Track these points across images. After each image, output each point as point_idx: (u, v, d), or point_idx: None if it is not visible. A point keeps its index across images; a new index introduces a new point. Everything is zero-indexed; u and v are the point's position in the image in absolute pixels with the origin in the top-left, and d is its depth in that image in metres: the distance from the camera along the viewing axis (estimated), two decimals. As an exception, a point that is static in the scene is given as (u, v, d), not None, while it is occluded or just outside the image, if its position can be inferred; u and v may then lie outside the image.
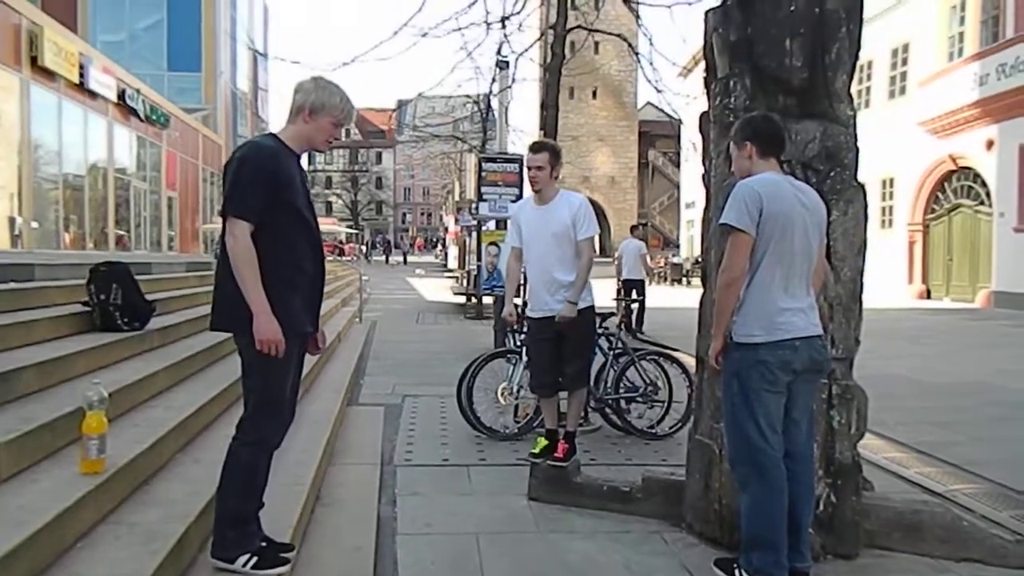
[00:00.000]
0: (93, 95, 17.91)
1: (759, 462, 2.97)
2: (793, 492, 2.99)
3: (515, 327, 5.50)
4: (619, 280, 12.69)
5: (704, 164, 4.15)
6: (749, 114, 3.51)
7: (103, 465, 2.97)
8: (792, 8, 3.67)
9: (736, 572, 3.02)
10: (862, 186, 3.83)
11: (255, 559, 2.82)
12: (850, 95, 3.88)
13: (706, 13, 4.06)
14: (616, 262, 13.07)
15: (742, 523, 3.09)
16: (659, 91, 10.80)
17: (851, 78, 3.82)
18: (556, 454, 4.37)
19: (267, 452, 2.93)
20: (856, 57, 3.85)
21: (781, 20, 3.69)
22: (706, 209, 4.11)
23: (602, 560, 3.55)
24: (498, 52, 9.72)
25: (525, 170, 4.70)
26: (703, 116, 4.18)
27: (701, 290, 4.02)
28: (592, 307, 4.61)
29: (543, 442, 4.50)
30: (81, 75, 16.90)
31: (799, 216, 3.00)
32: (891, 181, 22.51)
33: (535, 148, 4.61)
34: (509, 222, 4.98)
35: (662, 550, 3.69)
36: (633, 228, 14.42)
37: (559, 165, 4.58)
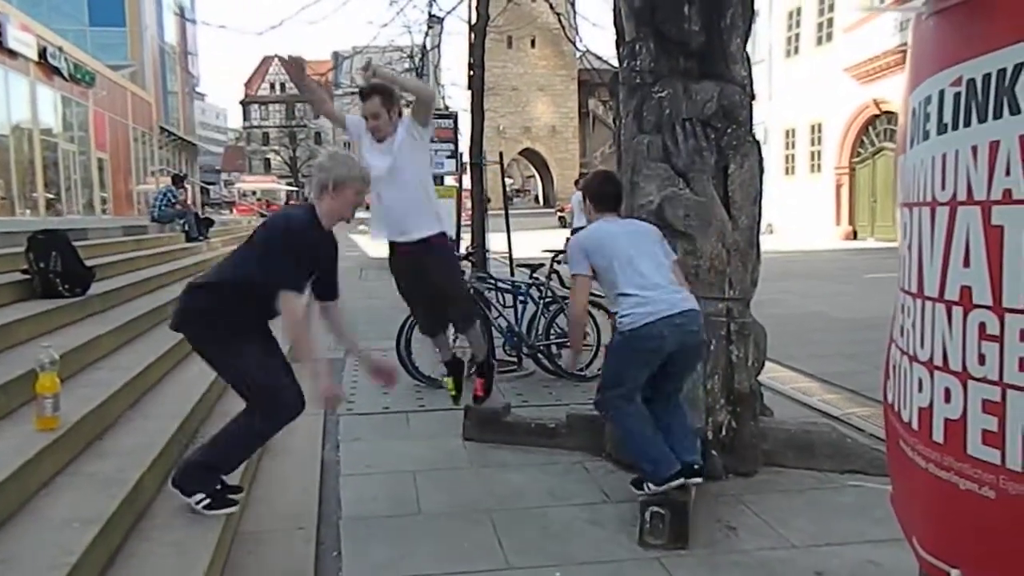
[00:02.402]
0: (13, 54, 17.24)
1: (617, 407, 3.54)
2: (673, 435, 3.52)
3: None
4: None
5: (615, 123, 4.45)
6: (592, 174, 4.22)
7: (58, 422, 3.19)
8: (690, -24, 3.96)
9: (644, 486, 3.44)
10: (757, 141, 4.17)
11: (208, 500, 3.10)
12: (747, 57, 4.20)
13: (614, -21, 4.32)
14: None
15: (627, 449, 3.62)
16: (579, 52, 10.98)
17: (745, 41, 4.14)
18: (476, 392, 4.61)
19: (265, 439, 3.30)
20: (751, 21, 4.18)
21: (680, -13, 3.98)
22: (618, 165, 4.43)
23: (529, 489, 3.93)
24: (428, 9, 9.79)
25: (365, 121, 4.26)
26: (614, 78, 4.47)
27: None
28: (444, 233, 4.50)
29: (451, 380, 4.68)
30: (-2, 34, 16.26)
31: (620, 244, 3.55)
32: (819, 126, 23.24)
33: (364, 95, 4.18)
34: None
35: (583, 478, 4.09)
36: (576, 181, 15.22)
37: (395, 105, 4.29)
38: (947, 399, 1.39)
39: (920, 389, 1.47)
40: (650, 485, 3.40)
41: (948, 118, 1.35)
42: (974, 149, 1.29)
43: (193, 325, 3.18)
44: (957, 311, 1.35)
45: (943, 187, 1.36)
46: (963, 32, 1.33)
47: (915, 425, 1.50)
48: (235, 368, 3.15)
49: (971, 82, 1.29)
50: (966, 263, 1.32)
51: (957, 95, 1.32)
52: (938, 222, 1.38)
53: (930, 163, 1.40)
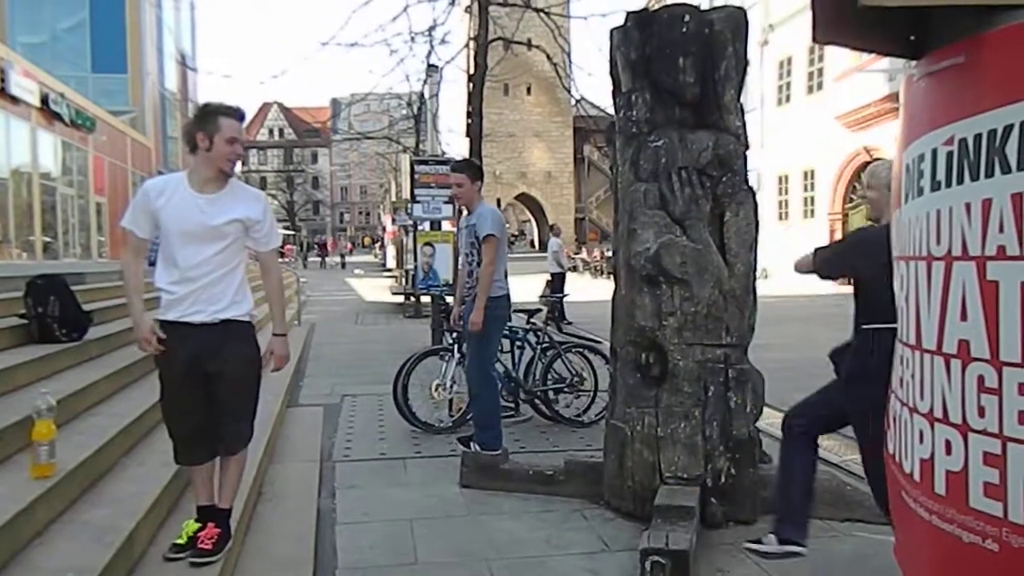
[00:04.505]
0: (15, 100, 17.41)
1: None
2: None
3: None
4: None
5: (611, 170, 4.52)
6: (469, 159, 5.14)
7: (53, 469, 3.17)
8: (684, 30, 4.06)
9: (472, 445, 4.85)
10: (752, 189, 4.23)
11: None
12: (741, 107, 4.28)
13: (611, 32, 4.41)
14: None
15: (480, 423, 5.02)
16: (576, 100, 11.20)
17: (739, 92, 4.22)
18: (201, 545, 3.10)
19: None
20: (744, 73, 4.26)
21: (675, 40, 4.08)
22: (615, 212, 4.48)
23: (526, 537, 3.89)
24: (427, 59, 10.00)
25: None
26: (610, 127, 4.54)
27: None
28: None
29: (192, 526, 3.17)
30: (2, 80, 16.43)
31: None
32: (812, 173, 23.56)
33: None
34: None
35: (582, 525, 4.05)
36: (551, 227, 15.62)
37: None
38: (948, 451, 1.40)
39: (921, 441, 1.48)
40: (475, 445, 4.85)
41: (941, 176, 1.38)
42: (967, 206, 1.32)
43: None
44: (956, 364, 1.37)
45: (938, 242, 1.39)
46: (954, 94, 1.37)
47: (917, 476, 1.50)
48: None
49: (963, 142, 1.33)
50: (963, 317, 1.35)
51: (949, 154, 1.36)
52: (934, 276, 1.41)
53: (924, 219, 1.44)
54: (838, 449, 5.45)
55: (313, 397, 7.46)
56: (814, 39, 1.56)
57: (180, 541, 3.12)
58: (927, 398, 1.45)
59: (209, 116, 3.07)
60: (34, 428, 3.16)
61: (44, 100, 18.94)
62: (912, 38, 1.49)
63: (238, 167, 3.25)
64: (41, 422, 3.17)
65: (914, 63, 1.51)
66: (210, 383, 3.09)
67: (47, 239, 20.27)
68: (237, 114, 3.12)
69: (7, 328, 5.13)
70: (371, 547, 3.77)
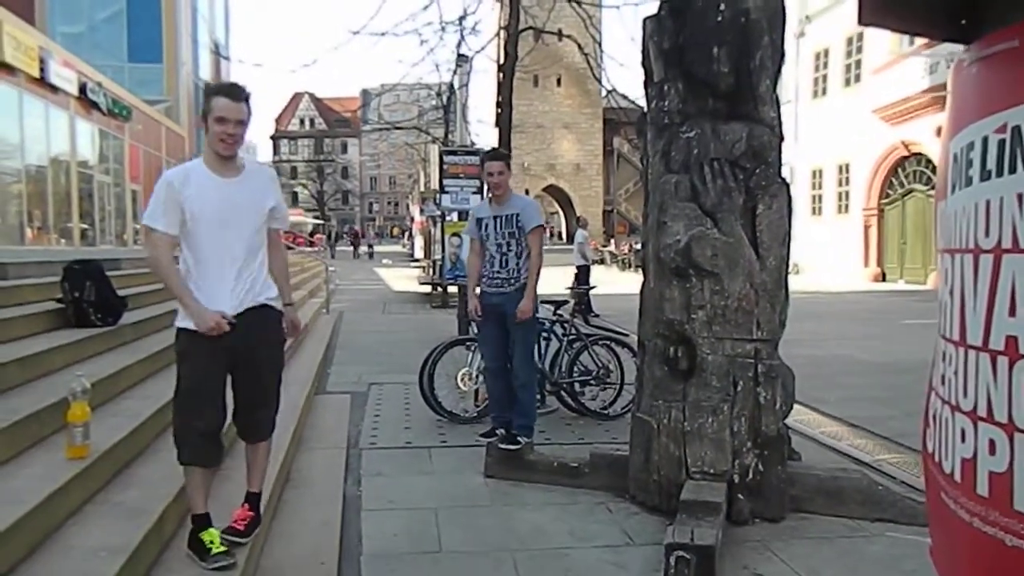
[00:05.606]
0: (54, 89, 17.71)
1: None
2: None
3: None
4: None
5: (642, 162, 4.47)
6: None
7: (88, 451, 3.23)
8: (719, 19, 3.99)
9: (497, 432, 4.84)
10: (785, 182, 4.16)
11: None
12: (776, 98, 4.20)
13: (644, 21, 4.36)
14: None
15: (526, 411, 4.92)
16: (607, 92, 11.14)
17: (775, 83, 4.15)
18: (235, 524, 3.11)
19: None
20: (780, 63, 4.19)
21: (709, 29, 4.02)
22: (645, 204, 4.43)
23: (550, 529, 3.88)
24: (457, 48, 10.01)
25: None
26: (641, 117, 4.49)
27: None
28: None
29: (213, 533, 2.97)
30: (42, 69, 16.70)
31: None
32: (847, 167, 23.17)
33: None
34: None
35: (606, 518, 4.03)
36: (577, 219, 15.59)
37: None
38: (992, 451, 1.35)
39: (963, 440, 1.43)
40: (522, 439, 4.68)
41: (992, 165, 1.33)
42: (1019, 197, 1.27)
43: None
44: (1002, 361, 1.32)
45: (987, 234, 1.34)
46: (1007, 79, 1.32)
47: (958, 477, 1.46)
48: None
49: (1016, 129, 1.27)
50: (1012, 312, 1.30)
51: (1001, 142, 1.31)
52: (982, 270, 1.36)
53: (972, 210, 1.39)
54: (870, 448, 5.37)
55: (341, 385, 7.52)
56: (859, 21, 1.51)
57: (221, 549, 2.89)
58: (971, 396, 1.40)
59: (207, 98, 2.93)
60: (69, 410, 3.22)
61: (82, 89, 19.26)
62: (963, 22, 1.44)
63: (243, 151, 3.09)
64: (76, 404, 3.22)
65: (964, 48, 1.46)
66: (238, 370, 3.04)
67: (84, 226, 20.65)
68: (230, 92, 2.90)
69: (44, 312, 5.22)
70: (396, 535, 3.79)
